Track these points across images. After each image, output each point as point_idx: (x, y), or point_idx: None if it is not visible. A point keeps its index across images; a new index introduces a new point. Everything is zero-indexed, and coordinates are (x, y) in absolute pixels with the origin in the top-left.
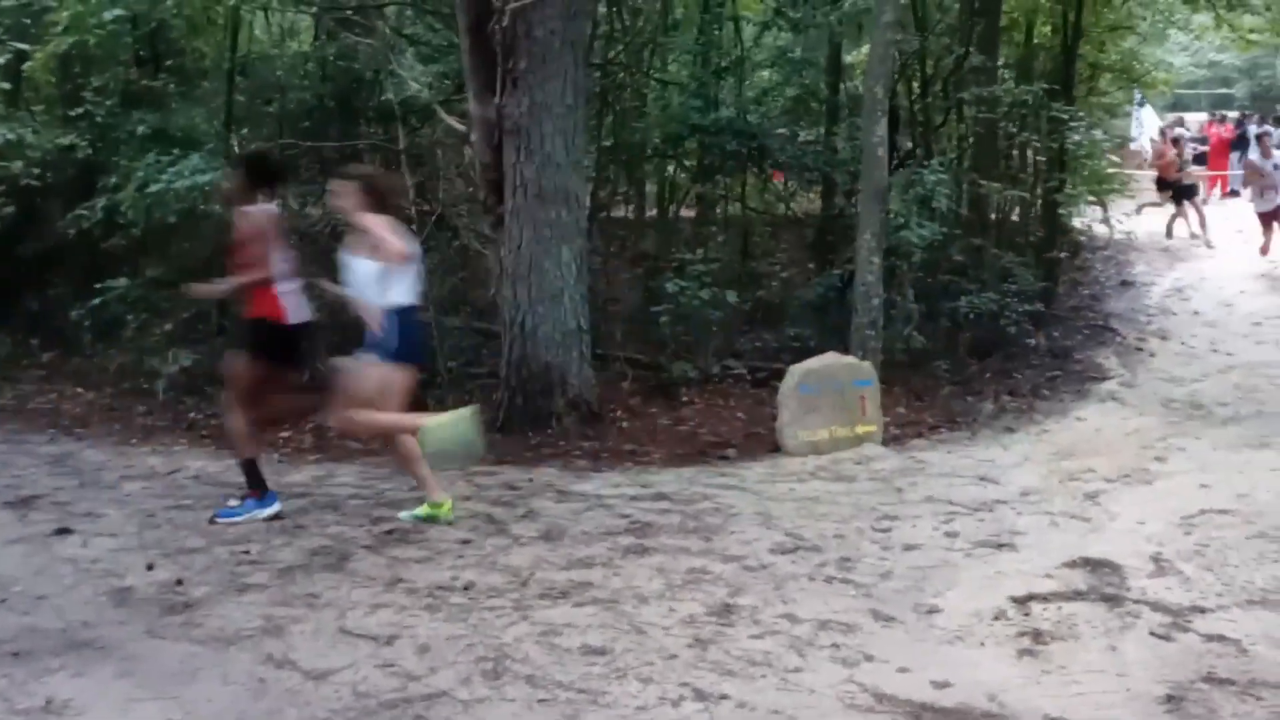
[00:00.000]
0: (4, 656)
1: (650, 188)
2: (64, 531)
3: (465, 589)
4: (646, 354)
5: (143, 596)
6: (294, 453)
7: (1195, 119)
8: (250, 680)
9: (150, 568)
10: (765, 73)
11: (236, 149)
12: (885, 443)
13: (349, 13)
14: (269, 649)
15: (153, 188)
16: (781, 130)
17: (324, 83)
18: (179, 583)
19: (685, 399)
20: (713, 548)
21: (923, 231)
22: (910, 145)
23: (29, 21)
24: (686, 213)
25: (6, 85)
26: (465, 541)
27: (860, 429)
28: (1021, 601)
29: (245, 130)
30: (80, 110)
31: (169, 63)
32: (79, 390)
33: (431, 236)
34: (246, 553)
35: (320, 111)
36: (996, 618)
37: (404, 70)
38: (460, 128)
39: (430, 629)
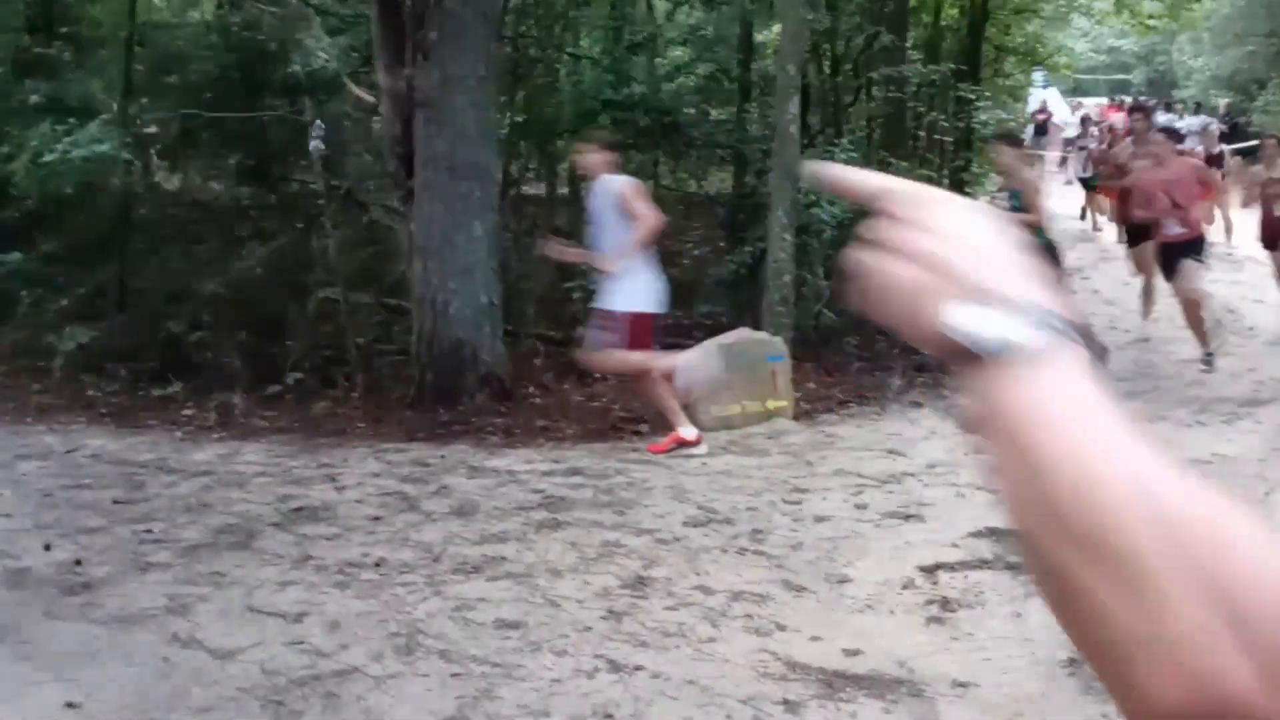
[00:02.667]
0: None
1: (563, 164)
2: None
3: (376, 565)
4: (559, 330)
5: (40, 578)
6: (197, 430)
7: (1094, 103)
8: (154, 660)
9: (48, 548)
10: (678, 50)
11: (136, 119)
12: (796, 418)
13: None
14: (174, 628)
15: (47, 158)
16: (692, 109)
17: (227, 53)
18: (78, 563)
19: (598, 375)
20: (626, 521)
21: (833, 209)
22: (821, 124)
23: None
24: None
25: None
26: (376, 518)
27: (772, 404)
28: (929, 570)
29: (145, 100)
30: None
31: (64, 30)
32: None
33: (340, 211)
34: (149, 532)
35: (223, 83)
36: (905, 587)
37: (311, 41)
38: (369, 100)
39: (340, 606)
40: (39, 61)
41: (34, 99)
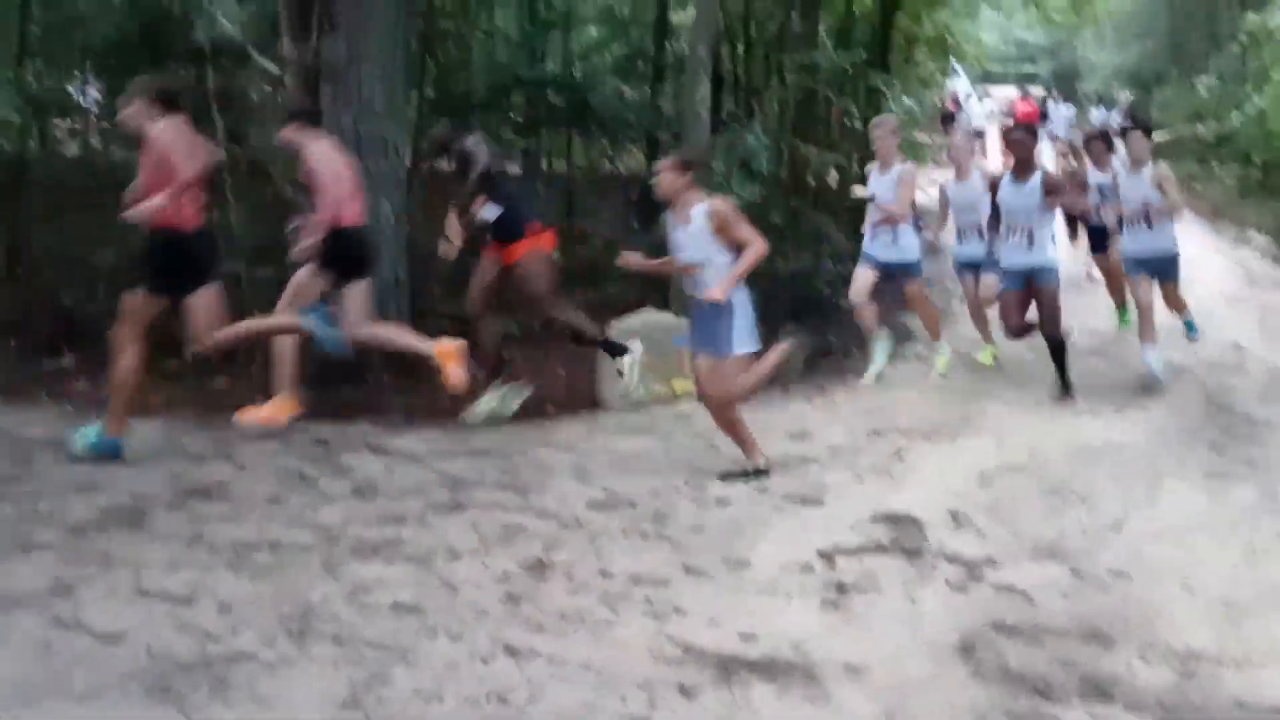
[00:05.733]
0: None
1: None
2: None
3: (272, 547)
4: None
5: None
6: (89, 406)
7: (1003, 93)
8: (35, 643)
9: None
10: (593, 29)
11: (33, 83)
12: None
13: None
14: (56, 610)
15: None
16: (606, 89)
17: (131, 18)
18: None
19: (506, 356)
20: (528, 504)
21: (743, 192)
22: (733, 107)
23: None
24: (512, 168)
25: None
26: (273, 499)
27: (678, 386)
28: (827, 555)
29: (40, 63)
30: None
31: None
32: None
33: (244, 183)
34: (35, 510)
35: (125, 48)
36: (803, 570)
37: (216, 7)
38: (275, 71)
39: (233, 588)
40: None
41: None
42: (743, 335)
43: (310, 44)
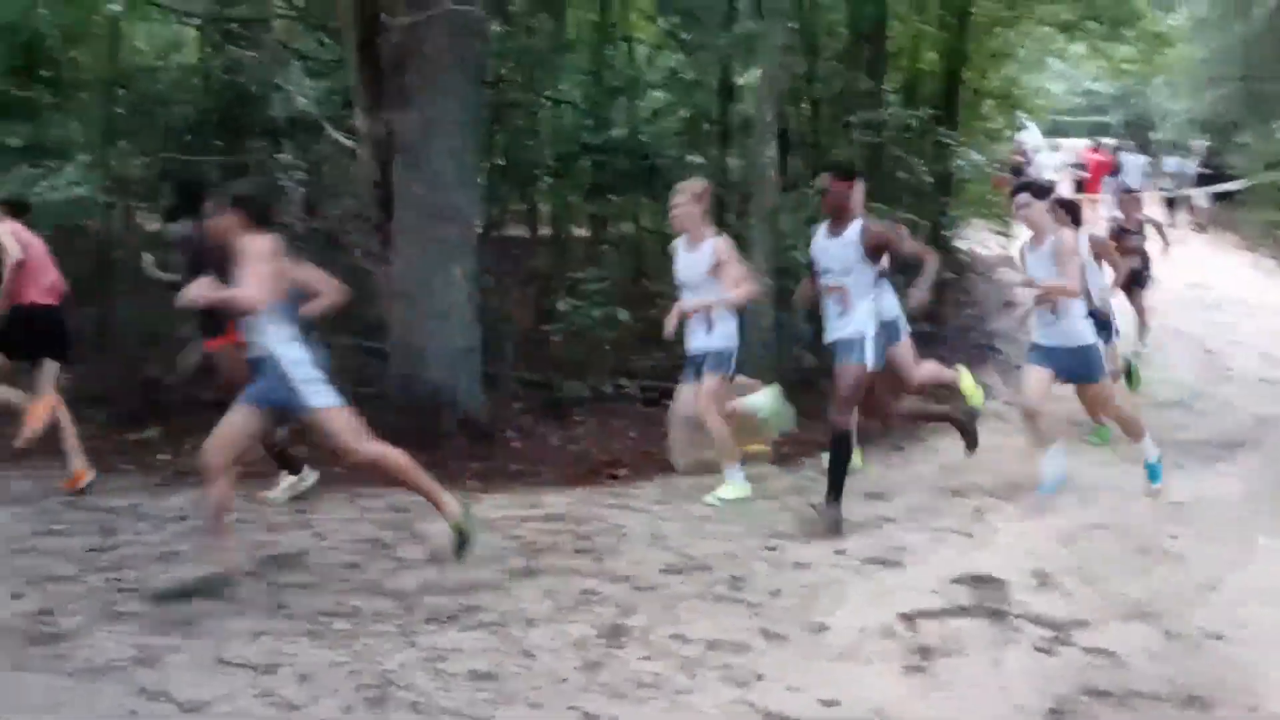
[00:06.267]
0: None
1: (543, 206)
2: None
3: (350, 614)
4: (538, 373)
5: (8, 627)
6: (172, 476)
7: (1073, 144)
8: (120, 713)
9: (17, 597)
10: (658, 93)
11: (115, 163)
12: (776, 462)
13: (235, 26)
14: (141, 680)
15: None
16: (672, 152)
17: (208, 96)
18: (47, 613)
19: (577, 419)
20: (603, 568)
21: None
22: (801, 167)
23: None
24: (579, 232)
25: None
26: (351, 566)
27: (751, 448)
28: (909, 618)
29: (125, 143)
30: None
31: (45, 73)
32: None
33: (319, 253)
34: (121, 580)
35: (205, 126)
36: (884, 634)
37: (291, 85)
38: (349, 144)
39: (312, 657)
40: (19, 104)
41: (13, 141)
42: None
43: (383, 117)
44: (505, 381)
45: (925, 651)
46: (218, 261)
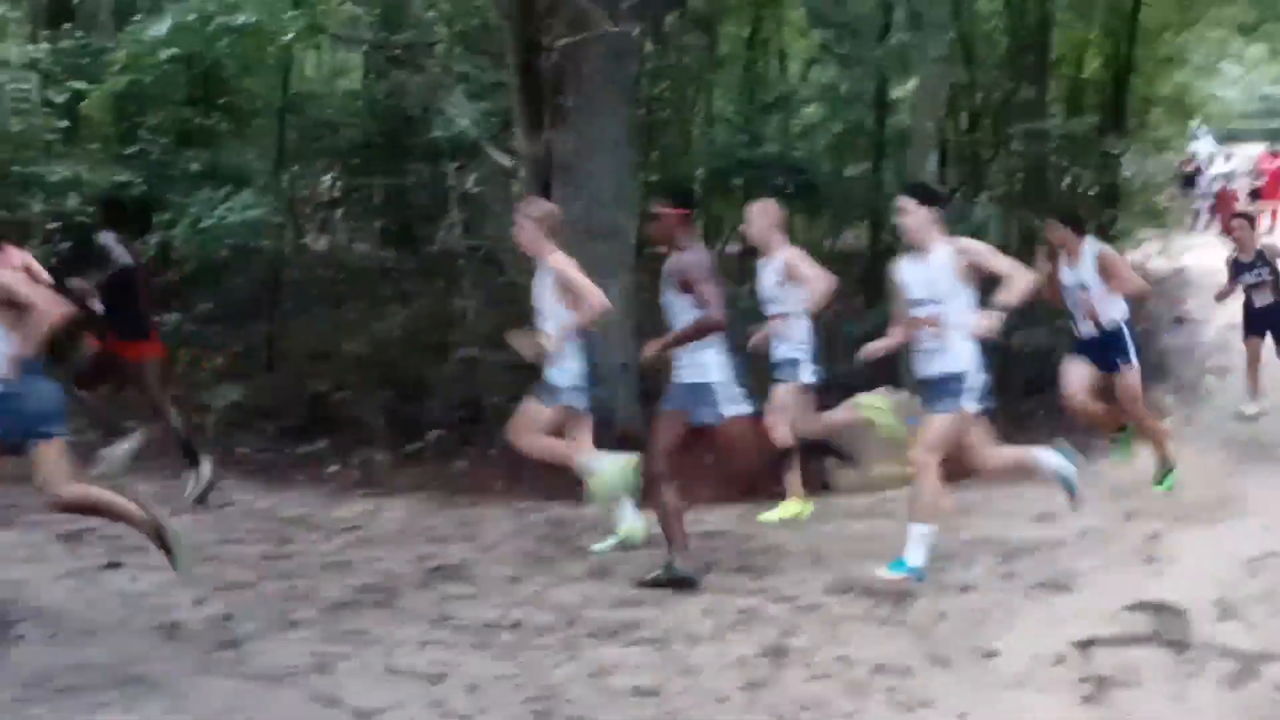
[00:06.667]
0: (57, 691)
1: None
2: (114, 565)
3: (514, 627)
4: None
5: (192, 632)
6: (341, 487)
7: (1248, 151)
8: (297, 718)
9: (199, 603)
10: (811, 108)
11: (288, 185)
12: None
13: (399, 51)
14: (317, 687)
15: (205, 224)
16: (827, 167)
17: (373, 120)
18: (228, 618)
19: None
20: (763, 587)
21: None
22: (959, 179)
23: (87, 61)
24: (732, 248)
25: (64, 123)
26: (514, 579)
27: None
28: (1083, 646)
29: (296, 167)
30: (135, 148)
31: (221, 101)
32: (131, 424)
33: (479, 272)
34: (295, 589)
35: (369, 149)
36: (1057, 662)
37: (452, 107)
38: (508, 164)
39: (479, 668)
40: (198, 132)
41: (194, 167)
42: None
43: (542, 137)
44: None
45: (1101, 682)
46: (144, 278)
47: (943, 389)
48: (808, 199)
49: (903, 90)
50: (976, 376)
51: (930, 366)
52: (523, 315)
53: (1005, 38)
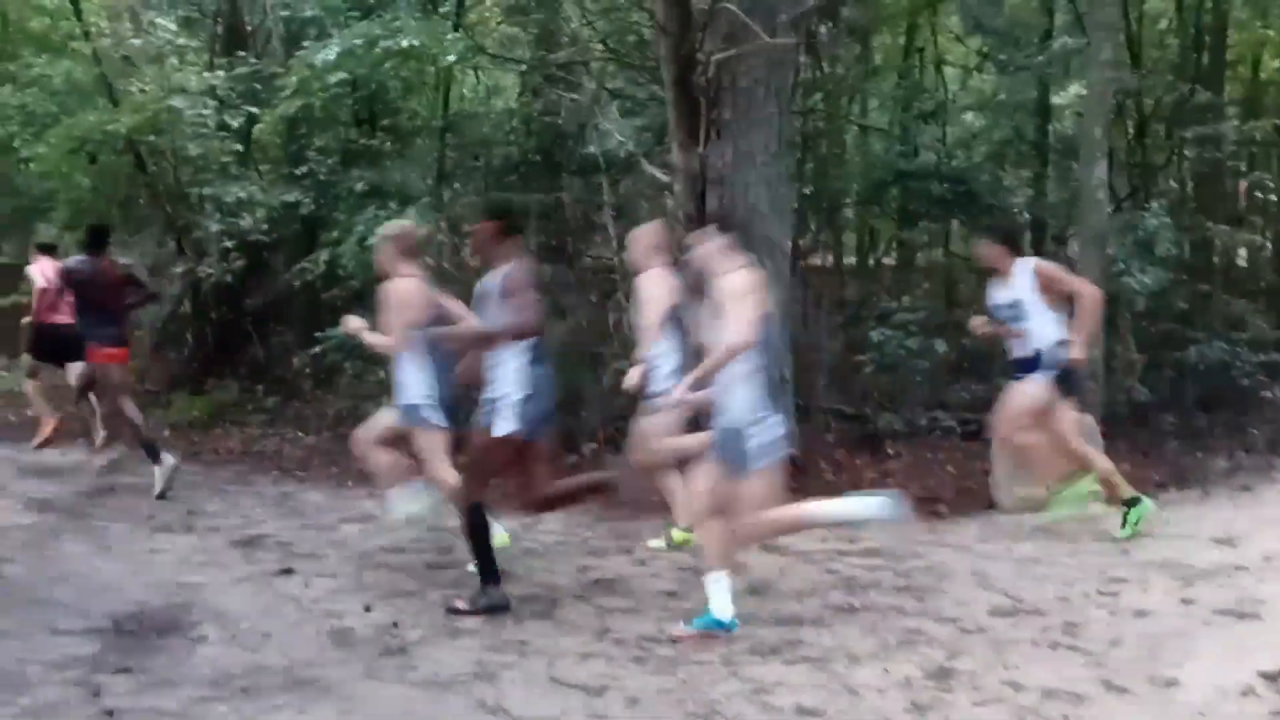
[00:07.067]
0: (235, 691)
1: (849, 234)
2: (287, 571)
3: (673, 642)
4: (850, 405)
5: (361, 637)
6: (501, 497)
7: None
8: None
9: (368, 609)
10: (969, 116)
11: (447, 202)
12: (1108, 501)
13: (554, 70)
14: (481, 694)
15: (371, 241)
16: (986, 176)
17: (529, 138)
18: (395, 625)
19: (891, 452)
20: (927, 608)
21: (1144, 278)
22: (1130, 188)
23: (259, 87)
24: (886, 260)
25: (239, 147)
26: (671, 593)
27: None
28: (1272, 678)
29: (455, 185)
30: (304, 169)
31: (385, 122)
32: (300, 434)
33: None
34: (459, 598)
35: (525, 165)
36: (1244, 694)
37: (607, 124)
38: (663, 178)
39: (639, 682)
40: (363, 152)
41: (359, 186)
42: None
43: (697, 151)
44: (817, 413)
45: None
46: (108, 295)
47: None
48: (968, 209)
49: (1064, 96)
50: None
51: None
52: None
53: (1176, 39)
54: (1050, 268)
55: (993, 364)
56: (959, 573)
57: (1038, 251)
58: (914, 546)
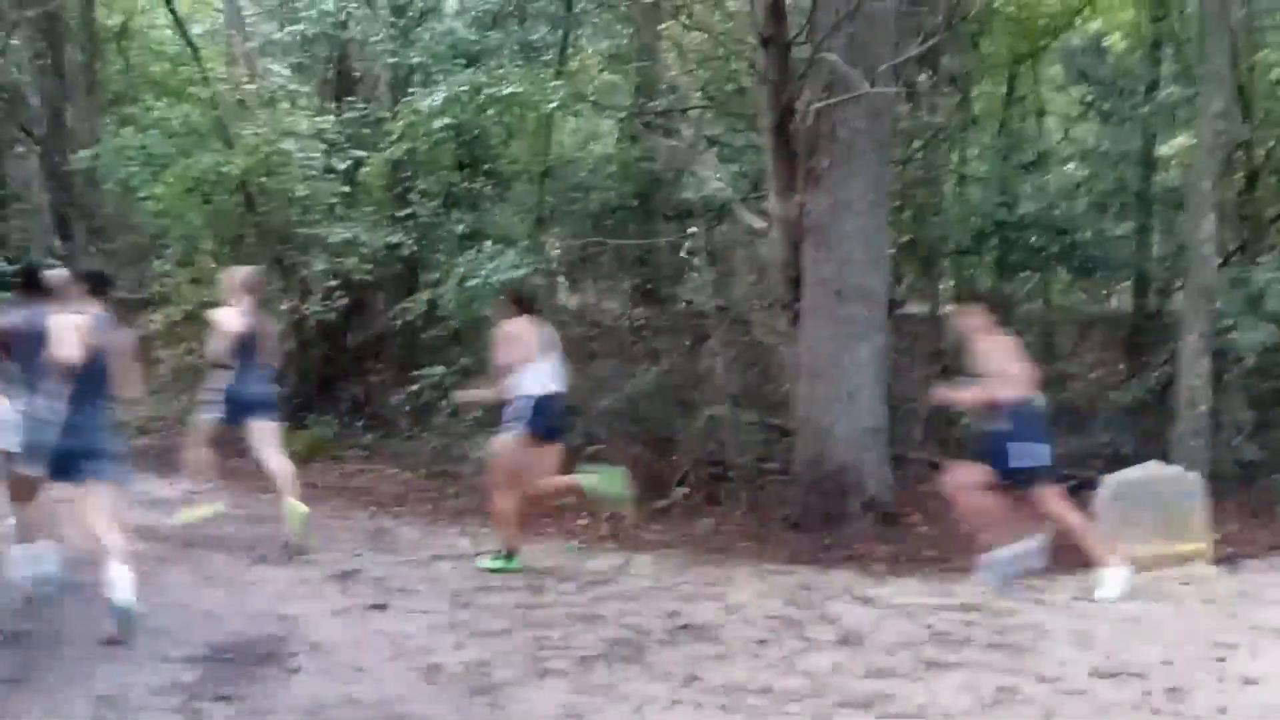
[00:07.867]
0: None
1: (944, 284)
2: (380, 606)
3: (762, 691)
4: (946, 456)
5: (451, 675)
6: (591, 540)
7: None
8: None
9: (458, 647)
10: (1071, 166)
11: (546, 246)
12: (1215, 563)
13: (653, 117)
14: None
15: (470, 282)
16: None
17: (625, 183)
18: (484, 664)
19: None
20: (1023, 666)
21: (1255, 335)
22: (1239, 241)
23: (367, 131)
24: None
25: (345, 189)
26: (761, 641)
27: (1186, 547)
28: None
29: (556, 229)
30: (407, 211)
31: (486, 167)
32: (396, 470)
33: (727, 332)
34: (548, 639)
35: (621, 210)
36: None
37: (704, 170)
38: (758, 225)
39: None
40: (465, 196)
41: (460, 229)
42: None
43: (795, 199)
44: (912, 463)
45: None
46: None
47: None
48: (1069, 261)
49: (1170, 146)
50: None
51: None
52: (770, 376)
53: None
54: (1007, 342)
55: (1090, 418)
56: (1057, 631)
57: (1137, 305)
58: (1011, 603)
